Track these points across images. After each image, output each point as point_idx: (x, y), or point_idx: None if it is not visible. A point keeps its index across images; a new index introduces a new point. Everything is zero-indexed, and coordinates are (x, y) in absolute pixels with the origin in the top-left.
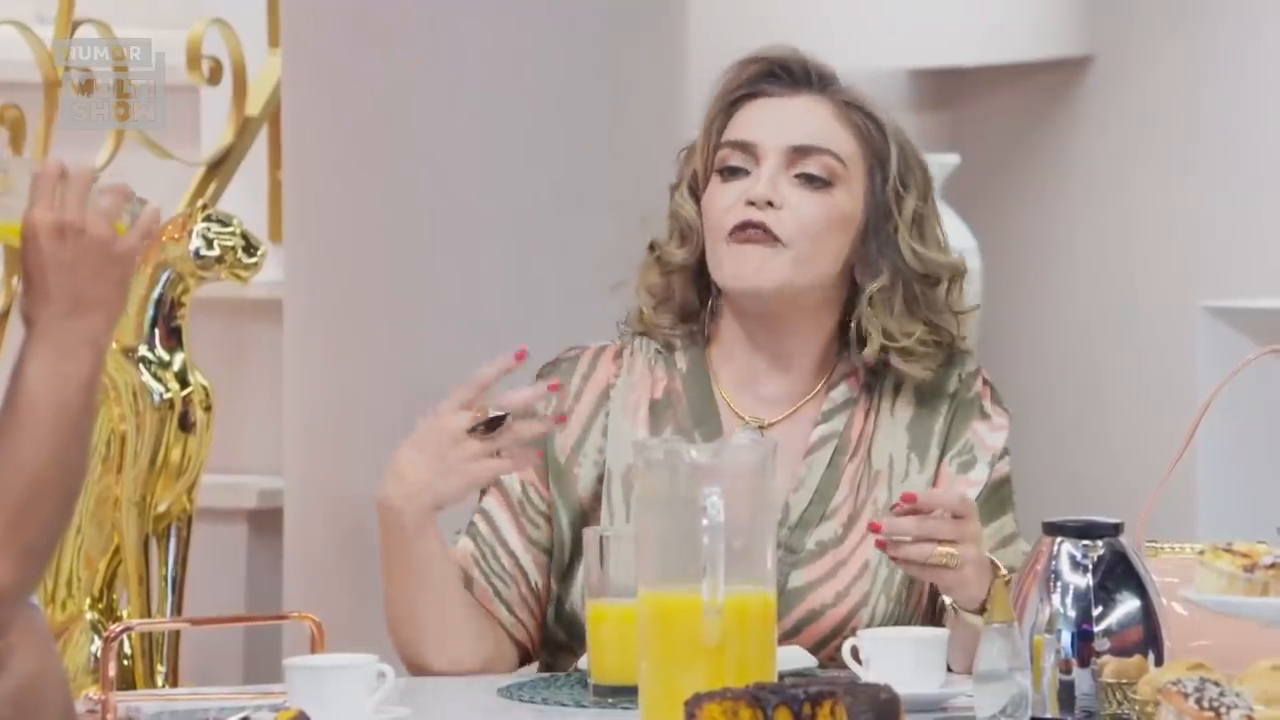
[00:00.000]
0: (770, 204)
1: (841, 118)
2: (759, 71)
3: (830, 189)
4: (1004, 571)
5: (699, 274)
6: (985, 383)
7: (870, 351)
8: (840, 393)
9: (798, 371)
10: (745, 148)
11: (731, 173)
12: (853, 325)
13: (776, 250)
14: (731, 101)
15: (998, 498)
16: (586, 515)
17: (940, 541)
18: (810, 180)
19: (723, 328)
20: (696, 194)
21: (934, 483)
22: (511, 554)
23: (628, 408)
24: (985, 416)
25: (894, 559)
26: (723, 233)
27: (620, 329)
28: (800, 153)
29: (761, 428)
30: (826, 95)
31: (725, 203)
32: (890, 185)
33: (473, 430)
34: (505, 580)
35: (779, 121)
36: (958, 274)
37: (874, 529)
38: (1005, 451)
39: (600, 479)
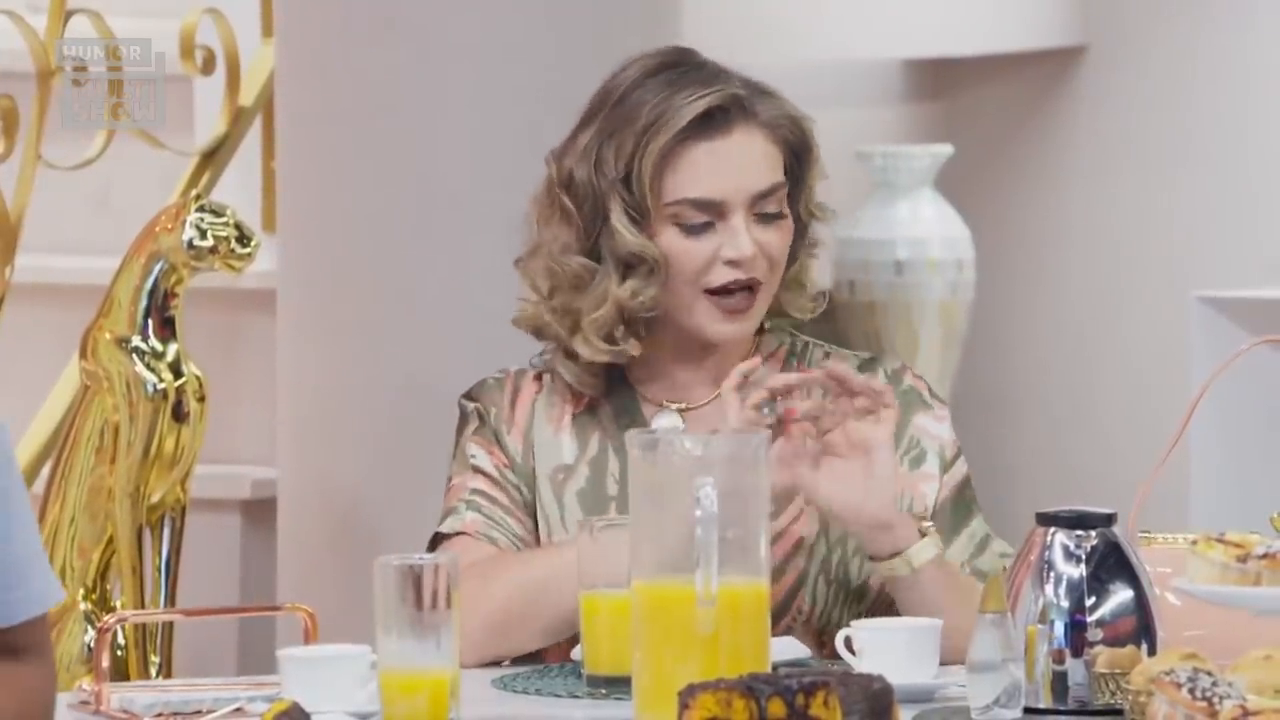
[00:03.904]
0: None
1: (772, 139)
2: (700, 115)
3: (782, 215)
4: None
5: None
6: (918, 376)
7: (780, 322)
8: (760, 375)
9: (713, 362)
10: (709, 206)
11: (691, 227)
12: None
13: (759, 292)
14: (669, 148)
15: (962, 502)
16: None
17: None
18: (769, 215)
19: (650, 331)
20: (638, 222)
21: None
22: (513, 514)
23: (550, 419)
24: (927, 407)
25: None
26: (698, 287)
27: (534, 362)
28: (761, 198)
29: (682, 411)
30: (754, 122)
31: (700, 260)
32: (809, 177)
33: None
34: (514, 540)
35: (733, 170)
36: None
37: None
38: (959, 452)
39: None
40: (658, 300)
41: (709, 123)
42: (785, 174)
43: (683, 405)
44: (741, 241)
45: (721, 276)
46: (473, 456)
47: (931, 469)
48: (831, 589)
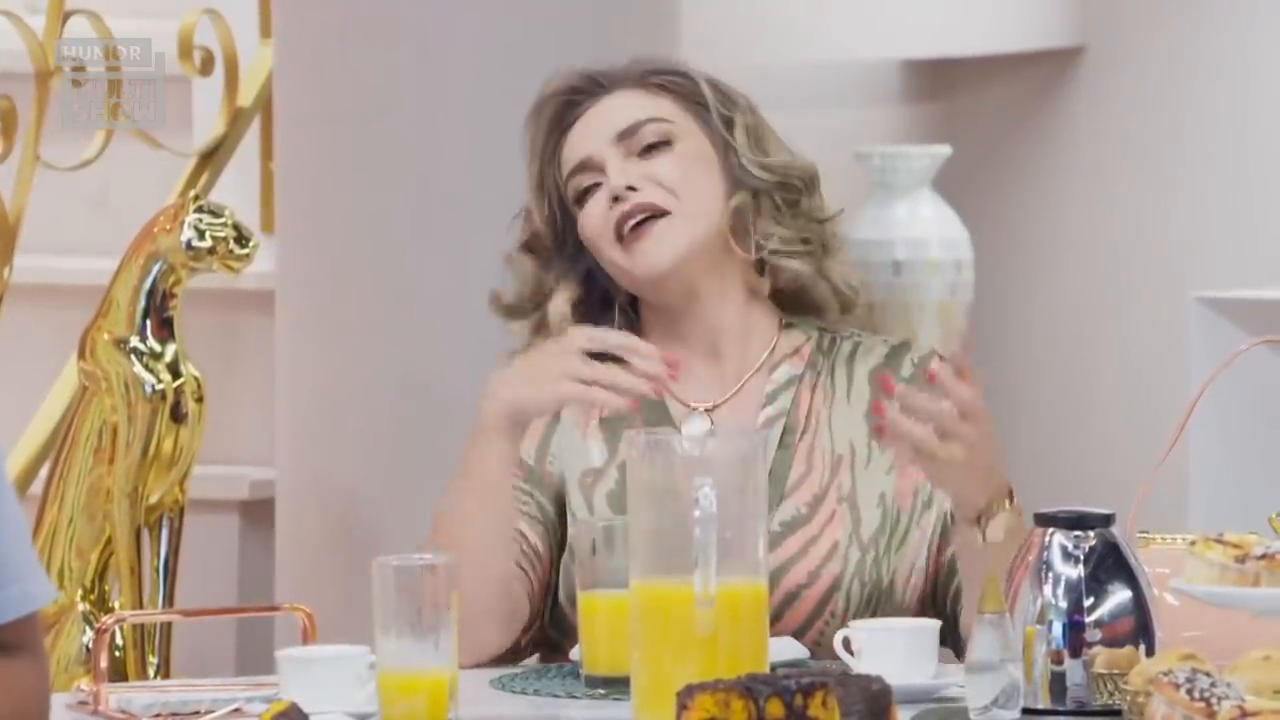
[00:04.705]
0: (631, 188)
1: (648, 90)
2: (555, 108)
3: (672, 146)
4: (1017, 501)
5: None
6: (942, 359)
7: (757, 254)
8: (782, 372)
9: (729, 352)
10: (584, 165)
11: (585, 193)
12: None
13: (666, 220)
14: (553, 147)
15: None
16: (565, 510)
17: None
18: (652, 149)
19: (645, 331)
20: (539, 253)
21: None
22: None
23: (577, 422)
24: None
25: (885, 436)
26: (610, 242)
27: None
28: (628, 134)
29: (709, 410)
30: (625, 84)
31: (596, 218)
32: (715, 114)
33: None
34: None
35: (598, 124)
36: (811, 178)
37: (887, 389)
38: None
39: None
40: (555, 317)
41: (576, 105)
42: (687, 114)
43: (710, 404)
44: (614, 179)
45: (611, 219)
46: None
47: None
48: (866, 591)
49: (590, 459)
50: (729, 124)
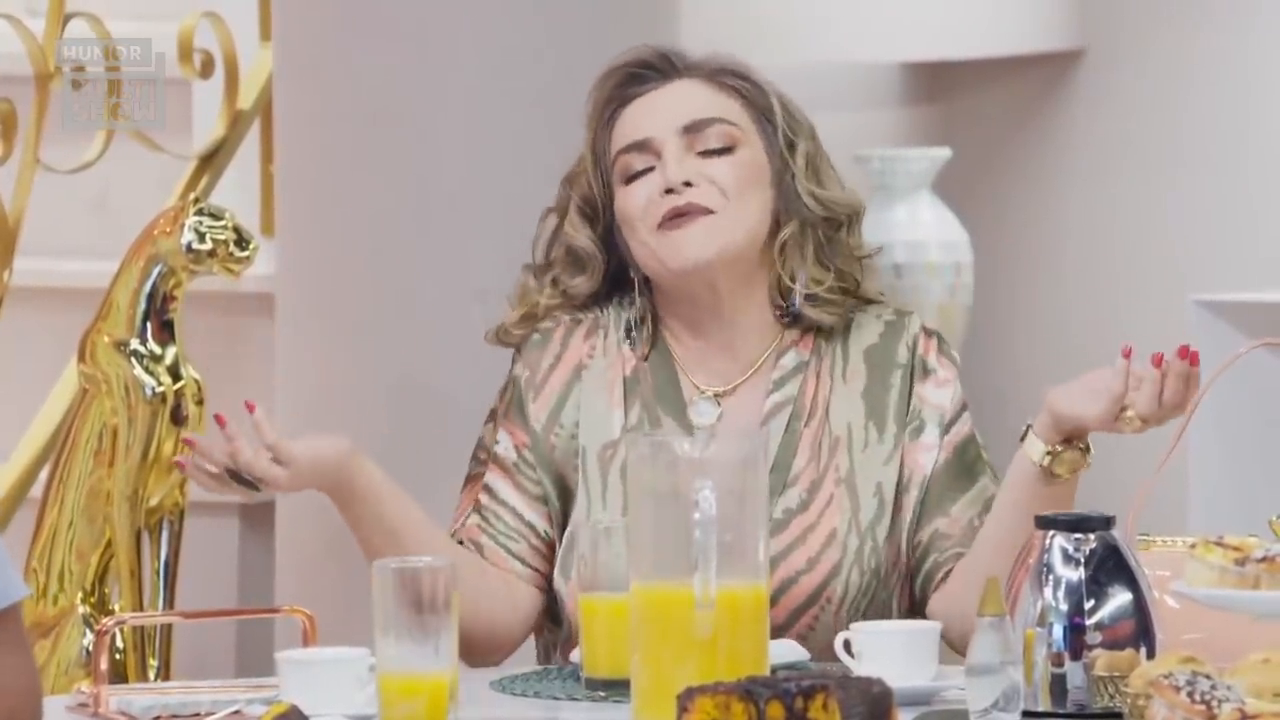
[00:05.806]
0: (688, 184)
1: (719, 87)
2: (622, 78)
3: (734, 152)
4: (1091, 454)
5: (602, 294)
6: (929, 334)
7: (797, 299)
8: (789, 359)
9: (742, 344)
10: (641, 146)
11: (637, 175)
12: (777, 278)
13: (710, 219)
14: (609, 116)
15: (964, 462)
16: (565, 485)
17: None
18: (714, 152)
19: (660, 313)
20: (591, 220)
21: (899, 456)
22: (515, 512)
23: (601, 385)
24: (927, 374)
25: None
26: (649, 227)
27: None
28: (694, 130)
29: (717, 396)
30: (697, 75)
31: (641, 200)
32: (781, 135)
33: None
34: (514, 537)
35: (665, 110)
36: (856, 214)
37: (1184, 354)
38: (962, 409)
39: (576, 453)
40: (586, 292)
41: (644, 80)
42: (753, 124)
43: (719, 389)
44: (670, 171)
45: (660, 208)
46: (496, 443)
47: (931, 438)
48: (865, 579)
49: (612, 430)
50: (791, 147)
